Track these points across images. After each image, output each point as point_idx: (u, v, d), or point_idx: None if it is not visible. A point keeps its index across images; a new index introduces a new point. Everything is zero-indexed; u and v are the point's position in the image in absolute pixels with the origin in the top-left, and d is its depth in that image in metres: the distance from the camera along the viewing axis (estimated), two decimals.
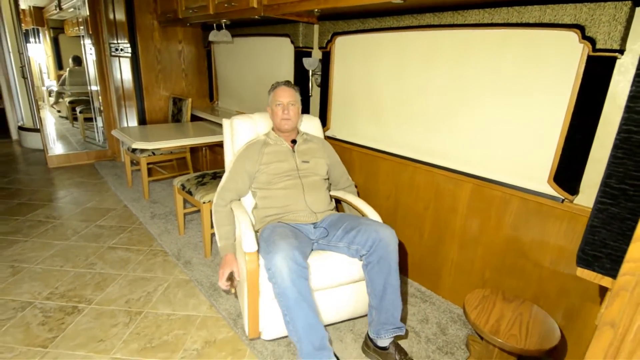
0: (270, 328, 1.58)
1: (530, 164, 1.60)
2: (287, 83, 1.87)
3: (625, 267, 0.75)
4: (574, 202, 1.50)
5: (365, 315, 1.72)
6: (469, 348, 1.70)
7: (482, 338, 1.54)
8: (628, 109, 0.77)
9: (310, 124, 2.12)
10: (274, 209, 1.75)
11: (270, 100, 1.86)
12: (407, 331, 1.71)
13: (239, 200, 1.86)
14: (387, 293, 1.53)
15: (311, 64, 2.44)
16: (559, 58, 1.43)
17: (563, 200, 1.52)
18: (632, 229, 0.73)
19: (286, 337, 1.69)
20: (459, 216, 1.91)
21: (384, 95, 2.12)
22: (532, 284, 1.70)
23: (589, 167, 1.45)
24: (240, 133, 1.96)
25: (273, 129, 1.92)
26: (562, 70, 1.43)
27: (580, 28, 1.33)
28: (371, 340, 1.62)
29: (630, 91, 0.77)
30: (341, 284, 1.65)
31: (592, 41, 1.31)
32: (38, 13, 5.73)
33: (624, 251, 0.75)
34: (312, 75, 2.55)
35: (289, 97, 1.81)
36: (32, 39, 4.77)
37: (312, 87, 2.59)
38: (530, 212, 1.64)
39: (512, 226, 1.71)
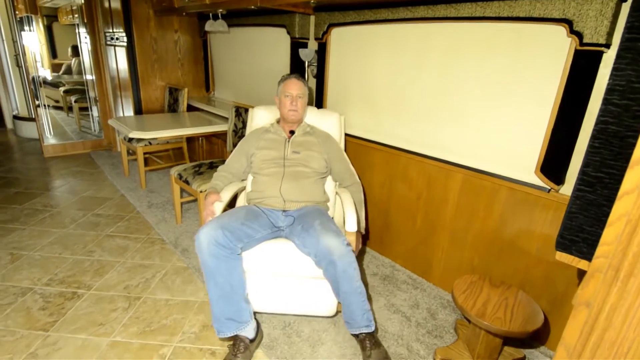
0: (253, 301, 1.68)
1: (519, 154, 1.65)
2: (297, 76, 1.93)
3: (600, 250, 0.81)
4: (560, 191, 1.56)
5: (325, 317, 1.81)
6: (457, 332, 1.77)
7: (469, 321, 1.60)
8: (605, 101, 0.81)
9: (328, 119, 2.12)
10: (255, 193, 1.86)
11: (280, 90, 1.92)
12: (376, 328, 1.73)
13: (240, 182, 2.00)
14: (342, 296, 1.57)
15: (307, 54, 2.46)
16: (547, 52, 1.47)
17: (549, 190, 1.57)
18: (608, 215, 0.78)
19: (278, 314, 1.76)
20: (450, 205, 1.96)
21: (379, 87, 2.16)
22: (519, 271, 1.77)
23: (575, 158, 1.50)
24: (256, 121, 2.15)
25: (278, 120, 1.99)
26: (550, 63, 1.47)
27: (568, 22, 1.37)
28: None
29: (608, 84, 0.81)
30: (298, 276, 1.67)
31: (579, 35, 1.35)
32: (31, 1, 5.65)
33: (600, 236, 0.80)
34: (308, 66, 2.58)
35: (298, 89, 1.88)
36: (26, 27, 4.72)
37: (308, 78, 2.61)
38: (518, 201, 1.70)
39: (501, 215, 1.77)
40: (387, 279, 2.17)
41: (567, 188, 1.54)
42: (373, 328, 1.60)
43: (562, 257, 0.97)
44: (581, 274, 1.53)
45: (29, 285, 2.00)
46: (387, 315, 1.87)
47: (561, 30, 1.41)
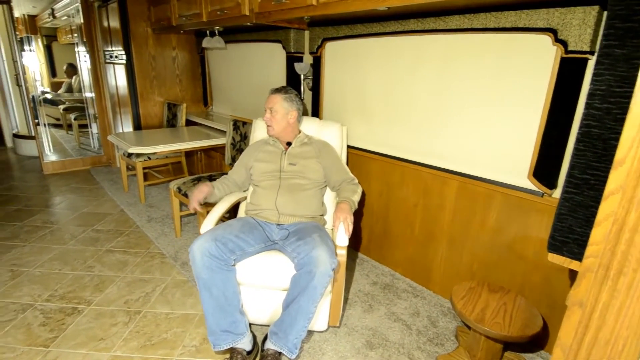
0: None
1: (512, 160, 1.68)
2: (274, 90, 1.93)
3: (589, 250, 0.83)
4: (553, 195, 1.58)
5: (318, 331, 1.79)
6: (458, 339, 1.77)
7: (469, 328, 1.60)
8: (587, 105, 0.85)
9: (329, 130, 2.14)
10: (253, 205, 1.88)
11: None
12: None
13: (242, 192, 2.06)
14: (292, 307, 1.51)
15: (302, 68, 2.51)
16: (534, 60, 1.52)
17: (543, 195, 1.60)
18: (595, 215, 0.80)
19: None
20: (447, 212, 1.99)
21: (373, 98, 2.20)
22: (517, 276, 1.78)
23: (566, 162, 1.53)
24: (257, 132, 2.23)
25: None
26: (538, 71, 1.51)
27: (553, 31, 1.42)
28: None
29: (589, 89, 0.85)
30: (284, 290, 1.64)
31: (564, 44, 1.40)
32: (31, 21, 5.76)
33: (589, 236, 0.82)
34: (303, 80, 2.63)
35: (271, 103, 1.88)
36: (26, 47, 4.81)
37: (304, 90, 2.66)
38: (512, 206, 1.72)
39: (497, 220, 1.79)
40: (387, 288, 2.17)
41: (560, 192, 1.56)
42: (293, 357, 1.55)
43: (554, 258, 0.99)
44: (573, 275, 1.54)
45: (29, 301, 2.00)
46: (388, 324, 1.87)
47: (547, 39, 1.46)
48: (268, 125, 1.90)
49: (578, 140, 0.87)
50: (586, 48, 1.36)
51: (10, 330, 1.79)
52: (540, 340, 1.72)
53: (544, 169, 1.56)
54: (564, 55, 1.42)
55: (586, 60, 1.40)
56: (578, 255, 0.93)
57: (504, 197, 1.74)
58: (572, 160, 0.89)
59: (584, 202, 0.89)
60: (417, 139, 2.04)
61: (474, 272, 1.95)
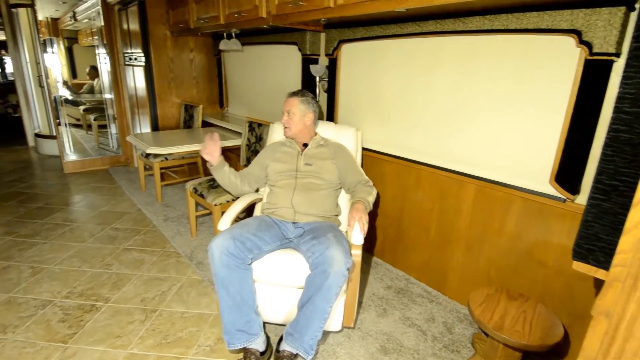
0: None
1: (532, 164, 1.64)
2: (291, 93, 1.95)
3: (617, 258, 0.80)
4: (576, 201, 1.54)
5: (332, 332, 1.78)
6: (474, 346, 1.73)
7: (487, 335, 1.57)
8: (616, 109, 0.82)
9: (344, 134, 2.15)
10: (269, 204, 1.90)
11: None
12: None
13: (254, 192, 2.07)
14: (307, 307, 1.51)
15: (318, 70, 2.51)
16: (557, 62, 1.48)
17: (565, 200, 1.55)
18: (624, 223, 0.77)
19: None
20: (464, 217, 1.95)
21: (389, 100, 2.18)
22: (537, 283, 1.73)
23: (590, 167, 1.49)
24: (274, 135, 2.26)
25: None
26: (560, 73, 1.48)
27: (577, 33, 1.38)
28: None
29: (618, 92, 0.82)
30: (299, 288, 1.64)
31: (589, 45, 1.36)
32: (54, 24, 5.93)
33: (616, 244, 0.79)
34: (319, 82, 2.63)
35: (289, 105, 1.91)
36: (48, 49, 4.96)
37: (319, 93, 2.66)
38: (532, 212, 1.68)
39: (516, 226, 1.75)
40: (401, 292, 2.15)
41: (583, 197, 1.52)
42: (308, 359, 1.54)
43: (580, 266, 0.96)
44: (598, 283, 1.50)
45: (49, 297, 2.05)
46: (403, 329, 1.85)
47: (570, 41, 1.42)
48: (285, 127, 1.93)
49: (606, 145, 0.85)
50: (612, 50, 1.32)
51: (30, 326, 1.83)
52: (560, 349, 1.67)
53: (567, 173, 1.52)
54: (589, 57, 1.38)
55: (611, 62, 1.36)
56: (604, 264, 0.90)
57: (523, 202, 1.70)
58: (600, 165, 0.86)
59: (611, 209, 0.86)
60: (434, 141, 2.01)
61: (491, 278, 1.91)
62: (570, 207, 1.55)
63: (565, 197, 1.55)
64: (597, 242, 0.91)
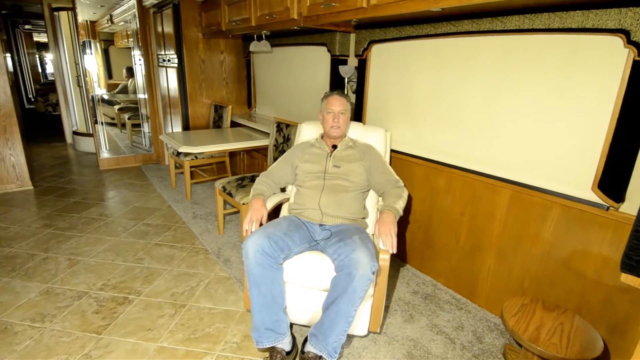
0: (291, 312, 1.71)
1: (573, 170, 1.57)
2: (339, 92, 1.95)
3: None
4: (620, 210, 1.46)
5: (357, 336, 1.76)
6: (506, 357, 1.67)
7: (520, 346, 1.51)
8: None
9: (373, 135, 2.13)
10: (296, 205, 1.90)
11: (323, 107, 1.96)
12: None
13: (280, 192, 2.06)
14: (332, 309, 1.49)
15: (347, 71, 2.50)
16: (602, 63, 1.41)
17: (608, 208, 1.48)
18: None
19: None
20: (497, 223, 1.89)
21: (420, 101, 2.15)
22: (574, 295, 1.65)
23: (637, 173, 1.40)
24: (302, 136, 2.24)
25: (322, 135, 2.03)
26: (606, 75, 1.40)
27: (625, 33, 1.31)
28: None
29: None
30: (324, 290, 1.63)
31: (637, 46, 1.29)
32: (92, 26, 6.20)
33: None
34: (347, 82, 2.62)
35: (340, 106, 1.90)
36: (87, 50, 5.19)
37: (347, 93, 2.65)
38: (572, 219, 1.60)
39: (554, 234, 1.68)
40: (428, 298, 2.10)
41: (628, 206, 1.44)
42: (333, 357, 1.52)
43: (628, 279, 0.91)
44: None
45: (84, 289, 2.13)
46: (430, 336, 1.81)
47: (617, 41, 1.35)
48: (337, 127, 1.90)
49: None
50: None
51: (67, 316, 1.91)
52: None
53: (611, 180, 1.44)
54: (637, 58, 1.31)
55: None
56: None
57: (562, 208, 1.63)
58: None
59: None
60: (466, 144, 1.96)
61: (524, 288, 1.84)
62: (613, 215, 1.47)
63: (608, 205, 1.47)
64: None
